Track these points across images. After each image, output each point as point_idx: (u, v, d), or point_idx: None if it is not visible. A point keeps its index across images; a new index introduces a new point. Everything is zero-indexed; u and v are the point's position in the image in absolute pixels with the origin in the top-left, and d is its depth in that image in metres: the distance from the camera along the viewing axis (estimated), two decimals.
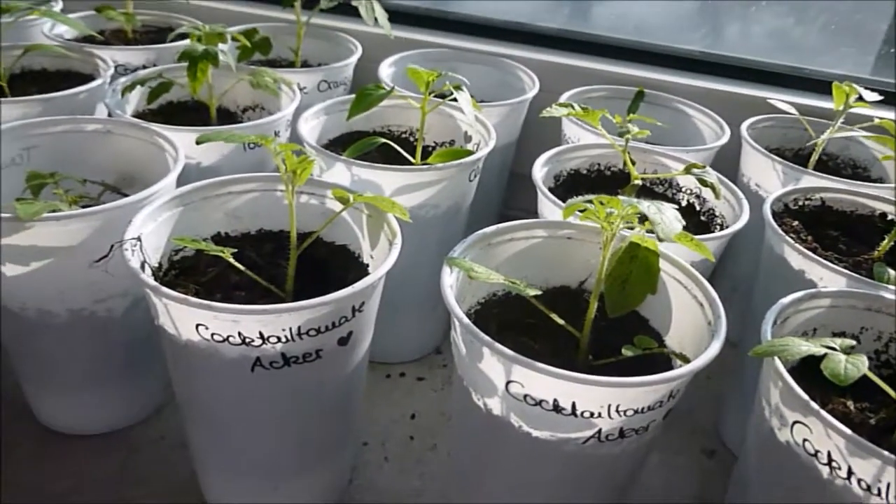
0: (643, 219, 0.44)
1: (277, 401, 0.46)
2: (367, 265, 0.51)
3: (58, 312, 0.51)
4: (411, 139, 0.69)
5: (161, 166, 0.57)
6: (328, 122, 0.66)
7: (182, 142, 0.56)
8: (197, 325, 0.41)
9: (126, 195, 0.51)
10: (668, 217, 0.39)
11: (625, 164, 0.58)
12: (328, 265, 0.51)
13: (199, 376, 0.45)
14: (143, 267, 0.44)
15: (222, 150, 0.61)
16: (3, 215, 0.45)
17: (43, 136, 0.58)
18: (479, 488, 0.48)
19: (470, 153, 0.59)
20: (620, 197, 0.41)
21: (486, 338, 0.39)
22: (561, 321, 0.45)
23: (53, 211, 0.47)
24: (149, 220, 0.47)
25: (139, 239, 0.44)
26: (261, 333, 0.41)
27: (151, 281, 0.41)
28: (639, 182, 0.57)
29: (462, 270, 0.44)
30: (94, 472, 0.55)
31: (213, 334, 0.41)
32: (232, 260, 0.44)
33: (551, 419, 0.40)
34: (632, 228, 0.46)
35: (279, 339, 0.42)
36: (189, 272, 0.49)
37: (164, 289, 0.40)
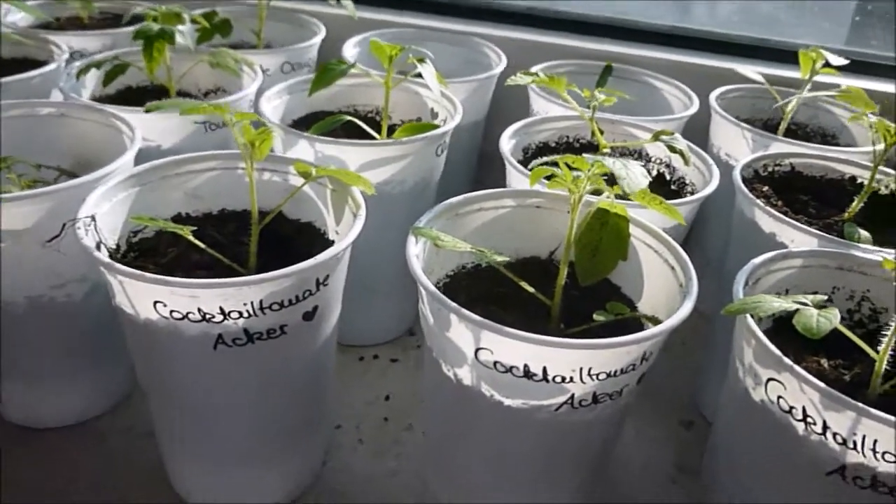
0: (612, 182, 0.44)
1: (243, 381, 0.44)
2: (333, 241, 0.50)
3: (15, 300, 0.49)
4: (377, 118, 0.68)
5: (118, 149, 0.55)
6: (291, 102, 0.64)
7: (139, 123, 0.54)
8: (155, 303, 0.40)
9: None
10: (634, 172, 0.38)
11: (593, 133, 0.57)
12: (293, 242, 0.50)
13: (161, 357, 0.43)
14: (98, 248, 0.43)
15: (182, 131, 0.59)
16: None
17: None
18: (454, 463, 0.47)
19: (436, 127, 0.58)
20: (585, 156, 0.40)
21: (453, 304, 0.38)
22: (531, 289, 0.44)
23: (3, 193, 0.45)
24: (103, 200, 0.45)
25: (93, 218, 0.43)
26: (221, 309, 0.40)
27: (104, 258, 0.40)
28: (607, 151, 0.57)
29: (428, 240, 0.43)
30: (61, 465, 0.54)
31: (171, 311, 0.40)
32: (192, 238, 0.43)
33: (523, 386, 0.39)
34: (599, 195, 0.45)
35: (241, 315, 0.40)
36: (148, 254, 0.47)
37: (118, 265, 0.39)
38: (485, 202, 0.49)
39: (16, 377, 0.54)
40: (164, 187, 0.49)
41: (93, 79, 0.66)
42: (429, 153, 0.58)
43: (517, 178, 0.55)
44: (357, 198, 0.46)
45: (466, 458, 0.46)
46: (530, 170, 0.43)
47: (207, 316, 0.40)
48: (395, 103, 0.66)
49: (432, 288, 0.40)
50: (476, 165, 0.82)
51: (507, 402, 0.40)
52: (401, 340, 0.68)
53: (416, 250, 0.43)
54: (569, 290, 0.46)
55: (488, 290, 0.47)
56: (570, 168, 0.42)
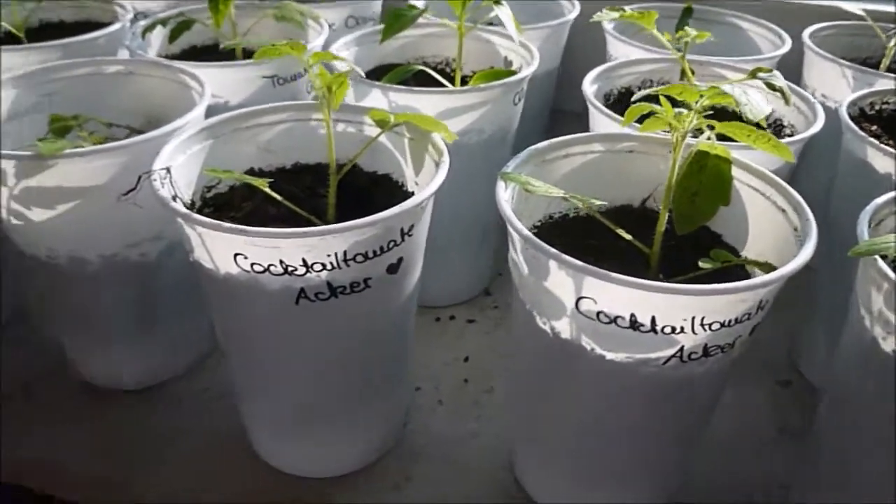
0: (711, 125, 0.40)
1: (325, 338, 0.43)
2: (413, 193, 0.47)
3: (89, 259, 0.48)
4: (447, 70, 0.65)
5: (187, 105, 0.54)
6: (359, 55, 0.62)
7: (208, 79, 0.53)
8: (235, 255, 0.38)
9: None
10: (755, 98, 0.35)
11: (682, 74, 0.54)
12: (370, 195, 0.47)
13: (241, 314, 0.42)
14: (174, 201, 0.41)
15: (250, 86, 0.57)
16: (24, 153, 0.43)
17: (63, 80, 0.55)
18: (543, 424, 0.45)
19: (513, 73, 0.54)
20: (696, 82, 0.37)
21: (553, 250, 0.36)
22: (629, 237, 0.41)
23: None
24: (178, 153, 0.43)
25: (168, 170, 0.41)
26: (304, 261, 0.38)
27: (182, 209, 0.38)
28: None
29: (518, 185, 0.41)
30: (135, 428, 0.53)
31: (252, 264, 0.38)
32: (268, 190, 0.41)
33: (628, 338, 0.36)
34: (696, 137, 0.42)
35: (324, 267, 0.38)
36: (223, 208, 0.46)
37: (197, 216, 0.37)
38: (572, 147, 0.46)
39: (89, 338, 0.54)
40: (237, 140, 0.48)
41: (158, 37, 0.64)
42: (507, 101, 0.55)
43: (602, 124, 0.51)
44: (439, 145, 0.44)
45: (558, 418, 0.43)
46: (633, 102, 0.40)
47: (289, 269, 0.38)
48: (467, 53, 0.63)
49: (528, 233, 0.37)
50: (548, 118, 0.78)
51: (610, 355, 0.37)
52: (477, 301, 0.65)
53: (505, 195, 0.40)
54: (665, 239, 0.42)
55: (579, 241, 0.44)
56: (674, 103, 0.39)
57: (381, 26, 0.57)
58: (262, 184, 0.41)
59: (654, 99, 0.40)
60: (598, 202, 0.39)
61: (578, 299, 0.36)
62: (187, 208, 0.44)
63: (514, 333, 0.45)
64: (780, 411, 0.56)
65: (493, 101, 0.54)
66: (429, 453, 0.52)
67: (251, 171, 0.49)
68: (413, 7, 0.55)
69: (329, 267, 0.39)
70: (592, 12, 0.69)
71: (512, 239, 0.40)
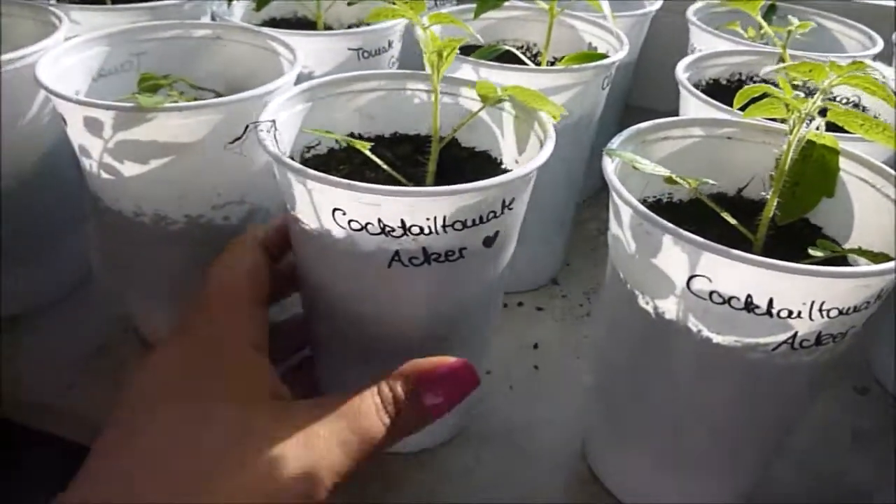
0: (823, 111, 0.39)
1: (413, 305, 0.42)
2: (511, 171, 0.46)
3: (175, 219, 0.48)
4: (528, 54, 0.64)
5: (274, 73, 0.53)
6: (444, 34, 0.61)
7: (298, 47, 0.52)
8: (334, 211, 0.38)
9: None
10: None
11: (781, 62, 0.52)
12: (468, 168, 0.46)
13: (332, 273, 0.41)
14: None
15: (336, 57, 0.57)
16: (124, 105, 0.42)
17: (152, 41, 0.55)
18: (630, 410, 0.43)
19: (604, 56, 0.54)
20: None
21: (670, 225, 0.35)
22: (733, 220, 0.40)
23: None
24: (281, 110, 0.43)
25: (274, 123, 0.41)
26: (403, 222, 0.37)
27: (291, 161, 0.38)
28: (798, 84, 0.52)
29: (624, 161, 0.40)
30: None
31: (350, 221, 0.38)
32: (369, 153, 0.41)
33: (740, 320, 0.35)
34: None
35: (422, 231, 0.37)
36: (320, 170, 0.45)
37: (303, 168, 0.37)
38: (672, 130, 0.45)
39: (159, 300, 0.53)
40: (336, 105, 0.47)
41: (240, 8, 0.64)
42: (596, 85, 0.54)
43: (694, 112, 0.50)
44: (544, 122, 0.42)
45: (646, 403, 0.42)
46: (757, 82, 0.39)
47: (387, 229, 0.37)
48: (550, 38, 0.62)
49: (641, 207, 0.36)
50: (622, 113, 0.77)
51: (717, 338, 0.36)
52: (545, 289, 0.64)
53: (612, 168, 0.39)
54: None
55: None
56: (793, 86, 0.38)
57: (469, 5, 0.56)
58: (364, 146, 0.40)
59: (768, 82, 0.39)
60: (710, 181, 0.38)
61: (691, 278, 0.35)
62: None
63: (607, 314, 0.44)
64: (856, 417, 0.54)
65: (584, 83, 0.53)
66: (499, 437, 0.51)
67: (351, 135, 0.48)
68: None
69: (427, 231, 0.38)
70: (670, 6, 0.69)
71: (617, 214, 0.39)
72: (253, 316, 0.40)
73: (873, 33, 0.65)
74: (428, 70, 0.42)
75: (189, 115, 0.43)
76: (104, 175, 0.47)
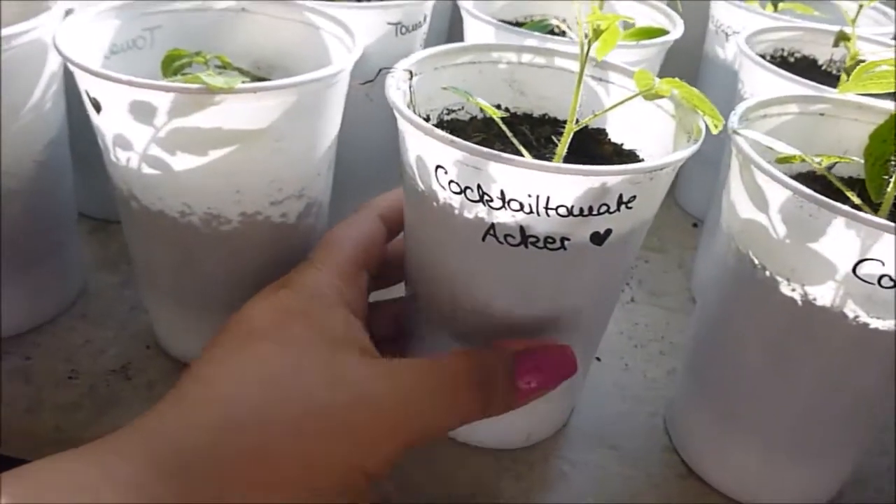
0: None
1: (505, 286, 0.38)
2: None
3: (229, 217, 0.42)
4: (557, 30, 0.61)
5: (310, 49, 0.48)
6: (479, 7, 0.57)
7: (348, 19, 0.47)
8: (436, 168, 0.34)
9: None
10: None
11: (838, 41, 0.52)
12: (601, 160, 0.43)
13: (431, 237, 0.39)
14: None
15: (374, 32, 0.51)
16: (191, 85, 0.36)
17: (168, 14, 0.48)
18: (750, 398, 0.42)
19: (664, 32, 0.51)
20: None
21: (846, 207, 0.33)
22: (858, 199, 0.39)
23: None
24: (425, 65, 0.40)
25: (411, 73, 0.37)
26: (502, 193, 0.34)
27: (404, 108, 0.35)
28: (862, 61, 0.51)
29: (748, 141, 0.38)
30: None
31: (450, 181, 0.34)
32: (500, 122, 0.37)
33: None
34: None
35: (521, 207, 0.34)
36: (455, 134, 0.41)
37: (411, 115, 0.34)
38: (771, 108, 0.43)
39: (192, 310, 0.47)
40: (487, 73, 0.44)
41: None
42: (656, 63, 0.52)
43: (760, 85, 0.49)
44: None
45: (772, 395, 0.40)
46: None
47: (485, 198, 0.34)
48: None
49: (804, 188, 0.34)
50: None
51: (876, 323, 0.35)
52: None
53: (749, 148, 0.37)
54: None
55: None
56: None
57: None
58: (496, 113, 0.37)
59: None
60: (841, 159, 0.37)
61: (859, 262, 0.33)
62: None
63: (720, 304, 0.42)
64: None
65: (649, 60, 0.50)
66: (595, 435, 0.48)
67: (497, 107, 0.44)
68: None
69: (526, 209, 0.34)
70: None
71: (756, 197, 0.37)
72: (355, 280, 0.39)
73: (888, 9, 0.66)
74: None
75: (264, 97, 0.37)
76: (147, 170, 0.40)
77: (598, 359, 0.54)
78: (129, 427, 0.31)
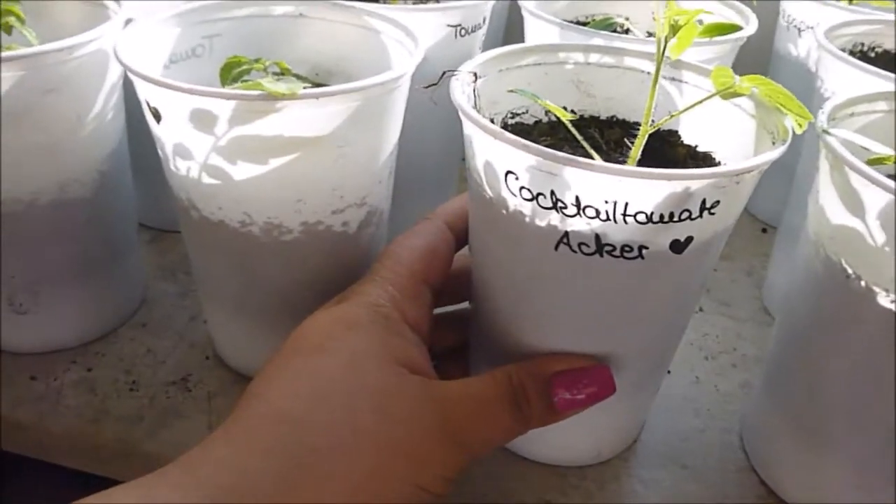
0: None
1: (577, 298, 0.36)
2: None
3: (290, 227, 0.41)
4: (618, 29, 0.59)
5: (370, 53, 0.47)
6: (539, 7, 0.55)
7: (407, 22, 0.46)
8: (507, 174, 0.33)
9: None
10: None
11: None
12: (675, 163, 0.41)
13: (499, 245, 0.37)
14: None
15: (434, 35, 0.50)
16: (252, 93, 0.35)
17: (226, 21, 0.47)
18: (841, 420, 0.39)
19: (738, 28, 0.49)
20: None
21: None
22: None
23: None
24: (489, 67, 0.39)
25: (475, 75, 0.36)
26: (577, 199, 0.32)
27: (471, 111, 0.33)
28: None
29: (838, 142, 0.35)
30: None
31: (522, 188, 0.33)
32: (569, 124, 0.36)
33: None
34: None
35: (597, 214, 0.32)
36: (521, 136, 0.41)
37: (479, 117, 0.33)
38: (858, 105, 0.41)
39: (264, 317, 0.46)
40: (554, 74, 0.43)
41: None
42: (730, 60, 0.49)
43: (843, 80, 0.46)
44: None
45: (870, 411, 0.38)
46: None
47: (559, 204, 0.32)
48: (647, 9, 0.57)
49: None
50: None
51: None
52: None
53: (844, 150, 0.34)
54: None
55: None
56: None
57: None
58: (565, 115, 0.35)
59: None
60: None
61: None
62: None
63: (810, 313, 0.39)
64: None
65: (719, 59, 0.48)
66: (667, 454, 0.46)
67: (563, 109, 0.43)
68: None
69: (603, 216, 0.32)
70: None
71: (851, 200, 0.34)
72: (417, 294, 0.39)
73: None
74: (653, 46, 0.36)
75: (327, 102, 0.36)
76: (207, 179, 0.39)
77: (668, 371, 0.51)
78: (182, 458, 0.31)
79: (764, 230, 0.68)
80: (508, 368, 0.37)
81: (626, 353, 0.39)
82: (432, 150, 0.53)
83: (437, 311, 0.45)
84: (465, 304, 0.44)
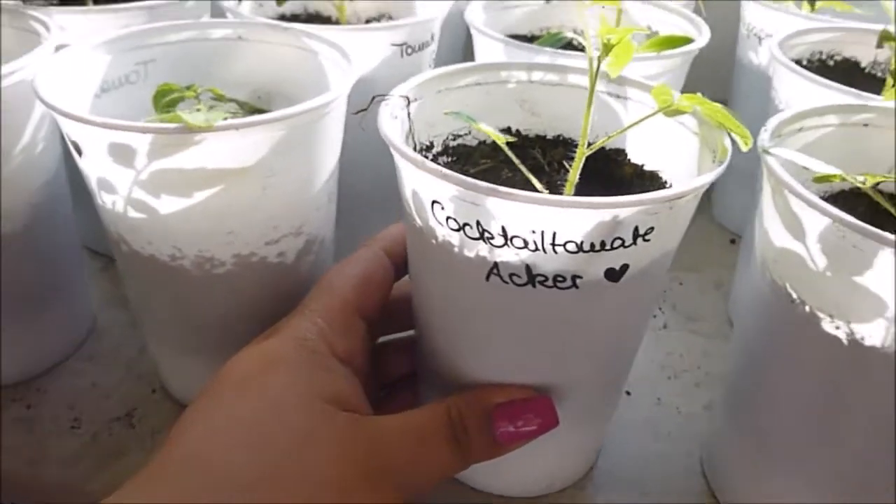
0: None
1: (511, 330, 0.35)
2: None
3: (222, 259, 0.40)
4: (573, 42, 0.58)
5: (309, 75, 0.46)
6: (487, 22, 0.54)
7: (343, 42, 0.44)
8: (433, 204, 0.31)
9: None
10: None
11: (882, 41, 0.47)
12: (622, 184, 0.39)
13: (431, 277, 0.36)
14: (408, 140, 0.36)
15: (378, 54, 0.49)
16: (167, 126, 0.34)
17: (161, 46, 0.46)
18: (792, 442, 0.38)
19: (689, 41, 0.47)
20: None
21: (892, 237, 0.29)
22: None
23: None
24: (425, 89, 0.38)
25: (408, 99, 0.35)
26: (503, 229, 0.30)
27: (394, 139, 0.32)
28: None
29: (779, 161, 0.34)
30: None
31: (448, 218, 0.31)
32: (505, 147, 0.35)
33: None
34: None
35: (525, 245, 0.31)
36: (461, 161, 0.40)
37: (401, 146, 0.32)
38: (808, 120, 0.39)
39: (201, 351, 0.45)
40: (497, 93, 0.41)
41: (247, 7, 0.55)
42: (681, 74, 0.48)
43: (795, 92, 0.45)
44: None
45: (818, 434, 0.36)
46: None
47: (486, 234, 0.31)
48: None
49: (841, 213, 0.30)
50: None
51: None
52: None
53: (781, 170, 0.33)
54: None
55: None
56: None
57: None
58: (500, 139, 0.34)
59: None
60: (876, 178, 0.33)
61: None
62: (422, 149, 0.39)
63: (759, 338, 0.38)
64: None
65: (672, 71, 0.47)
66: (625, 479, 0.45)
67: (507, 130, 0.42)
68: None
69: (531, 247, 0.31)
70: None
71: (792, 225, 0.33)
72: (349, 325, 0.37)
73: None
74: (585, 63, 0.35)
75: (248, 133, 0.35)
76: (133, 213, 0.38)
77: (627, 392, 0.50)
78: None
79: (733, 241, 0.67)
80: (448, 401, 0.35)
81: (571, 383, 0.37)
82: (380, 172, 0.52)
83: (389, 337, 0.44)
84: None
